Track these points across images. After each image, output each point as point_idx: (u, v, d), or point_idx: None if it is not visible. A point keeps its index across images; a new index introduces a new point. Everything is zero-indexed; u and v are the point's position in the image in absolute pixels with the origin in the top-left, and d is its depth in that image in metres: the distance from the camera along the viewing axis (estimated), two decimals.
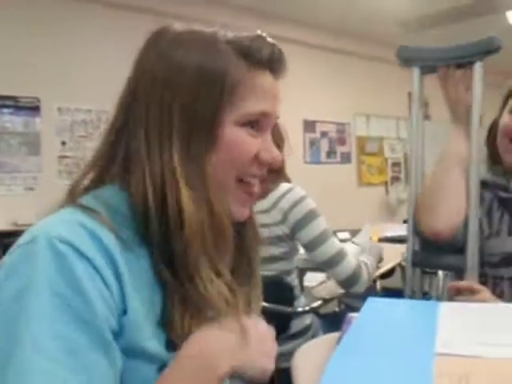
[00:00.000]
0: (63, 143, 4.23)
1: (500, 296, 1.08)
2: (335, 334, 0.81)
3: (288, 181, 1.52)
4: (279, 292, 1.40)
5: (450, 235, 1.11)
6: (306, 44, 5.50)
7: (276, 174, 1.26)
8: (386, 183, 6.25)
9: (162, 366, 0.54)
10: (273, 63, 0.60)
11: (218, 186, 0.58)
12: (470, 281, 1.07)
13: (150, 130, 0.56)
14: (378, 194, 6.15)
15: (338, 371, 0.61)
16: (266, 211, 1.45)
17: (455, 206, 1.11)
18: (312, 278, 1.99)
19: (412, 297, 1.19)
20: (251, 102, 0.57)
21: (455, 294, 0.95)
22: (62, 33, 4.18)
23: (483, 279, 1.12)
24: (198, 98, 0.56)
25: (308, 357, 0.82)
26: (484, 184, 1.20)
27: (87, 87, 4.27)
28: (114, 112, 0.61)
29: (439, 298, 1.94)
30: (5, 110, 3.98)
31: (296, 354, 0.84)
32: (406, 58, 1.20)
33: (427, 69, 1.19)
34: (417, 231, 1.18)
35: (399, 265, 1.94)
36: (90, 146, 4.34)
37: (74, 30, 4.24)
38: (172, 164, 0.55)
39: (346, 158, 5.92)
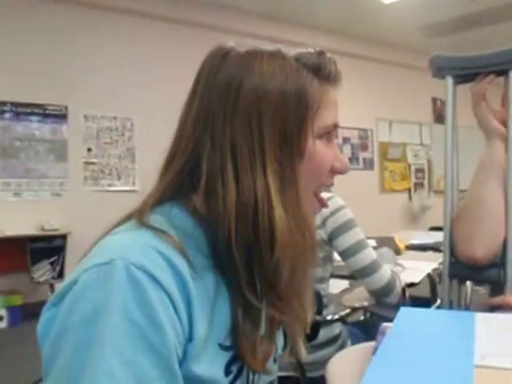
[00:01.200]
0: (89, 150, 4.32)
1: None
2: (369, 344, 0.81)
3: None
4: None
5: (486, 261, 1.07)
6: (329, 49, 5.43)
7: None
8: (409, 190, 6.19)
9: None
10: (336, 78, 0.63)
11: (307, 197, 0.60)
12: (509, 295, 1.04)
13: (239, 149, 0.55)
14: (401, 201, 6.09)
15: (375, 382, 0.61)
16: None
17: (494, 231, 1.06)
18: (335, 285, 1.98)
19: (450, 308, 1.16)
20: (326, 116, 0.60)
21: (491, 310, 0.93)
22: (87, 41, 4.28)
23: None
24: (286, 117, 0.57)
25: (343, 366, 0.82)
26: None
27: (112, 94, 4.35)
28: (183, 129, 0.60)
29: (467, 308, 1.90)
30: (33, 118, 4.09)
31: (330, 362, 0.84)
32: (440, 68, 1.16)
33: (461, 78, 1.16)
34: (453, 252, 1.13)
35: (428, 274, 1.92)
36: (114, 153, 4.42)
37: (100, 38, 4.33)
38: (266, 181, 0.55)
39: (368, 164, 5.88)
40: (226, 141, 0.56)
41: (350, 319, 1.73)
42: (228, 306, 0.57)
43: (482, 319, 0.81)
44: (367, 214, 5.12)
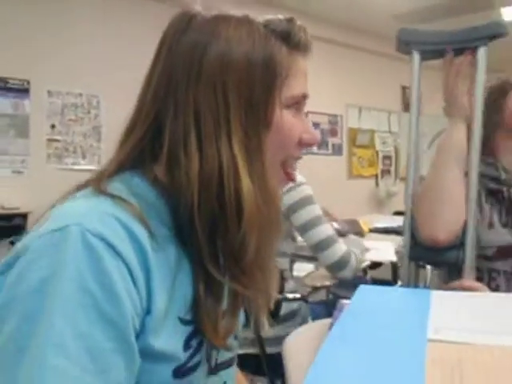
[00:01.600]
0: (53, 126, 4.18)
1: (496, 290, 1.07)
2: (327, 320, 0.81)
3: None
4: None
5: (449, 242, 1.08)
6: None
7: None
8: (376, 176, 6.28)
9: (178, 366, 0.53)
10: (307, 46, 0.61)
11: (273, 169, 0.58)
12: (468, 279, 1.05)
13: (203, 117, 0.53)
14: (368, 187, 6.18)
15: (329, 357, 0.61)
16: None
17: (455, 212, 1.07)
18: (301, 268, 2.00)
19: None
20: (295, 85, 0.58)
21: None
22: (53, 13, 4.10)
23: (479, 274, 1.11)
24: (252, 84, 0.55)
25: (299, 342, 0.82)
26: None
27: (78, 70, 4.21)
28: (144, 96, 0.57)
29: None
30: None
31: (287, 339, 0.84)
32: (406, 41, 1.12)
33: (428, 54, 1.12)
34: (414, 235, 1.14)
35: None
36: (79, 130, 4.30)
37: (66, 10, 4.16)
38: (231, 151, 0.53)
39: (337, 150, 5.93)
40: (190, 108, 0.54)
41: (312, 299, 1.76)
42: (189, 279, 0.55)
43: (438, 296, 0.82)
44: (335, 198, 5.17)
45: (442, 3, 5.01)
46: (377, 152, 6.29)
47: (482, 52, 1.05)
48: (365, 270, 2.15)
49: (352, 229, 2.16)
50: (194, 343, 0.55)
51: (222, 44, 0.54)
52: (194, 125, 0.53)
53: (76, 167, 4.20)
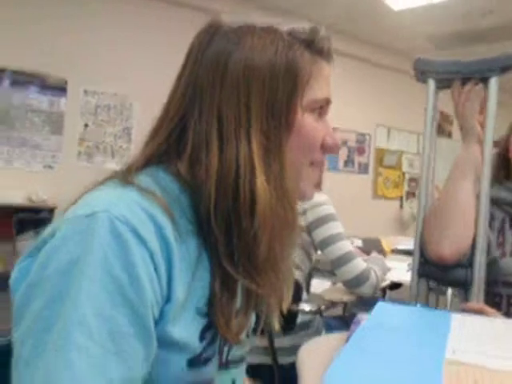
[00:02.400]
0: (86, 125, 4.29)
1: None
2: (343, 333, 0.81)
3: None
4: None
5: (454, 260, 1.08)
6: (335, 51, 5.49)
7: None
8: (401, 198, 6.21)
9: (193, 356, 0.54)
10: (330, 53, 0.63)
11: (294, 171, 0.60)
12: (480, 303, 1.04)
13: (225, 119, 0.56)
14: (393, 208, 6.12)
15: (343, 369, 0.61)
16: None
17: (464, 231, 1.08)
18: (318, 285, 1.99)
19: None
20: (317, 90, 0.60)
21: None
22: (94, 17, 4.23)
23: (498, 299, 1.10)
24: (275, 89, 0.57)
25: (314, 352, 0.82)
26: (495, 201, 1.18)
27: (113, 73, 4.32)
28: (172, 98, 0.61)
29: None
30: (32, 88, 4.04)
31: (302, 348, 0.83)
32: (422, 71, 1.18)
33: (443, 82, 1.17)
34: (422, 251, 1.15)
35: None
36: (111, 131, 4.39)
37: (105, 15, 4.29)
38: (250, 151, 0.55)
39: (363, 169, 5.89)
40: (213, 111, 0.56)
41: (329, 313, 1.74)
42: (208, 273, 0.57)
43: (458, 319, 0.81)
44: (359, 217, 5.13)
45: (477, 29, 4.97)
46: (403, 173, 6.23)
47: (493, 82, 1.09)
48: (384, 290, 2.12)
49: (374, 248, 2.14)
50: (208, 335, 0.56)
51: (245, 51, 0.57)
52: (217, 126, 0.56)
53: (105, 166, 4.29)
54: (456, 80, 1.13)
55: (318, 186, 0.66)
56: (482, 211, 1.09)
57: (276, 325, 0.68)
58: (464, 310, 0.88)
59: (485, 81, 1.11)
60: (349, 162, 5.74)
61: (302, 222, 1.53)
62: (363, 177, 5.92)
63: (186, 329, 0.53)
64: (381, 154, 6.02)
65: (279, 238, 0.57)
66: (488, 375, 0.59)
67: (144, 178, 0.56)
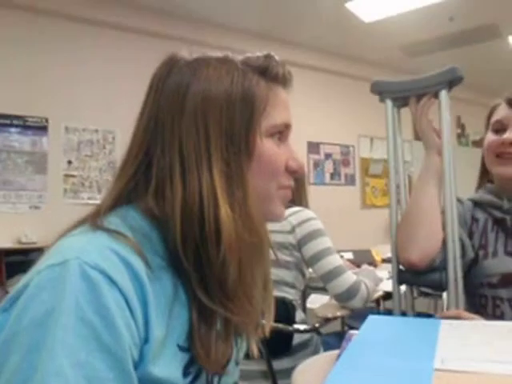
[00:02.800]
0: (69, 162, 4.28)
1: (500, 317, 1.07)
2: (335, 352, 0.81)
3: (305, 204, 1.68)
4: (281, 310, 1.41)
5: (423, 266, 1.12)
6: (312, 67, 5.58)
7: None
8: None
9: None
10: (285, 78, 0.65)
11: (261, 195, 0.61)
12: (458, 309, 1.08)
13: (186, 152, 0.57)
14: (382, 217, 6.14)
15: None
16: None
17: (429, 236, 1.12)
18: (316, 300, 1.99)
19: (404, 315, 1.19)
20: (275, 115, 0.62)
21: None
22: (69, 53, 4.26)
23: (483, 300, 1.12)
24: (232, 118, 0.58)
25: (308, 373, 0.82)
26: (478, 204, 1.21)
27: (94, 108, 4.33)
28: (135, 136, 0.62)
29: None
30: (13, 130, 4.04)
31: (296, 370, 0.83)
32: (379, 92, 1.26)
33: (401, 101, 1.26)
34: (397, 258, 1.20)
35: None
36: (95, 166, 4.38)
37: (82, 50, 4.32)
38: (212, 181, 0.56)
39: (350, 180, 5.93)
40: (175, 144, 0.57)
41: (326, 330, 1.74)
42: (186, 308, 0.57)
43: (447, 325, 0.82)
44: (348, 228, 5.15)
45: (449, 34, 5.09)
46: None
47: (443, 95, 1.18)
48: (378, 301, 2.12)
49: (365, 259, 2.15)
50: (192, 370, 0.56)
51: (202, 83, 0.59)
52: (179, 160, 0.57)
53: (92, 201, 4.27)
54: (411, 97, 1.21)
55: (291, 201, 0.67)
56: (448, 215, 1.14)
57: (255, 351, 0.68)
58: (443, 318, 0.89)
59: (437, 95, 1.18)
60: (335, 174, 5.78)
61: (292, 239, 1.54)
62: (351, 188, 5.95)
63: (168, 366, 0.53)
64: (366, 164, 6.08)
65: (248, 263, 0.58)
66: (478, 380, 0.59)
67: (113, 220, 0.56)
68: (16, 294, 0.49)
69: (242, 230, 0.56)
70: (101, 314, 0.46)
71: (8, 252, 3.79)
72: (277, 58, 0.65)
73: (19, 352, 0.45)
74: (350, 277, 1.48)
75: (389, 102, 1.25)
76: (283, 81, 0.64)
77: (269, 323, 0.68)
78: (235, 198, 0.57)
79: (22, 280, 0.50)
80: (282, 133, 0.63)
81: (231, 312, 0.57)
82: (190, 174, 0.56)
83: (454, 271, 1.12)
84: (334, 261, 1.51)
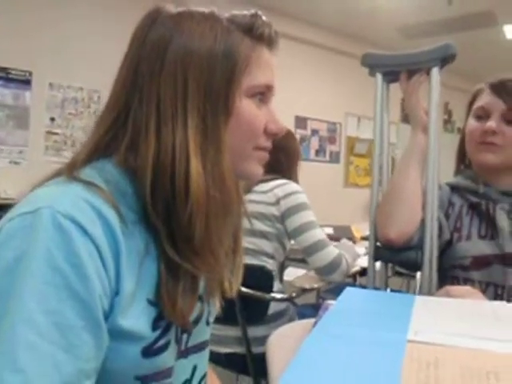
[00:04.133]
0: (52, 119, 4.19)
1: None
2: (311, 320, 0.82)
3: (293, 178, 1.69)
4: (259, 278, 1.43)
5: (401, 243, 1.13)
6: (305, 41, 5.51)
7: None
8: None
9: (146, 346, 0.54)
10: (271, 39, 0.63)
11: (236, 155, 0.61)
12: (448, 285, 1.08)
13: (162, 105, 0.56)
14: (364, 196, 6.21)
15: (309, 355, 0.62)
16: (263, 192, 1.57)
17: (408, 214, 1.13)
18: (292, 273, 2.01)
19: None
20: (258, 75, 0.61)
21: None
22: (58, 7, 4.12)
23: (455, 282, 1.14)
24: (212, 75, 0.58)
25: (282, 341, 0.83)
26: (454, 189, 1.23)
27: (80, 65, 4.22)
28: (115, 87, 0.61)
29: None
30: None
31: (270, 337, 0.84)
32: (370, 65, 1.23)
33: (391, 75, 1.23)
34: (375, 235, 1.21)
35: None
36: (78, 125, 4.30)
37: (71, 4, 4.18)
38: (185, 136, 0.55)
39: (334, 158, 5.95)
40: (152, 97, 0.57)
41: (302, 301, 1.77)
42: (156, 262, 0.57)
43: (421, 301, 0.83)
44: (331, 205, 5.20)
45: (446, 18, 5.06)
46: None
47: (434, 72, 1.15)
48: (354, 276, 2.17)
49: (344, 235, 2.17)
50: (162, 324, 0.57)
51: (184, 37, 0.58)
52: (155, 113, 0.56)
53: None
54: (402, 72, 1.18)
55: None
56: (429, 196, 1.14)
57: (217, 307, 0.70)
58: (448, 295, 0.90)
59: (427, 71, 1.16)
60: (320, 151, 5.79)
61: (276, 211, 1.55)
62: (334, 166, 5.98)
63: (137, 319, 0.53)
64: (351, 143, 6.10)
65: (215, 220, 0.58)
66: (449, 352, 0.61)
67: (89, 172, 0.56)
68: None
69: (212, 187, 0.56)
70: (72, 262, 0.46)
71: None
72: (264, 18, 0.64)
73: None
74: (332, 251, 1.50)
75: (379, 76, 1.23)
76: (269, 41, 0.63)
77: (236, 284, 0.69)
78: (208, 154, 0.57)
79: None
80: (263, 94, 0.63)
81: (196, 267, 0.58)
82: (165, 128, 0.56)
83: (430, 251, 1.13)
84: (317, 234, 1.53)
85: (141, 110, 0.57)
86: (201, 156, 0.56)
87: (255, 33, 0.61)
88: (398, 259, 1.19)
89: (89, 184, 0.53)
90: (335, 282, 1.56)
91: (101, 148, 0.59)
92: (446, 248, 1.17)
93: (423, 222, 1.14)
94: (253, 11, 0.63)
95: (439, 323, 0.72)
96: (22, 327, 0.43)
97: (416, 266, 1.14)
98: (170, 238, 0.56)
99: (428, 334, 0.66)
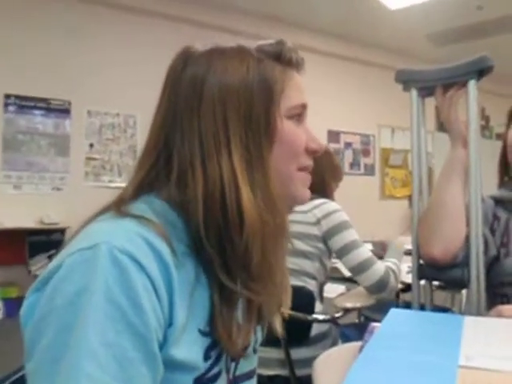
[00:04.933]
0: (91, 145, 4.33)
1: None
2: (357, 343, 0.81)
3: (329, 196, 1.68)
4: (300, 299, 1.42)
5: (446, 260, 1.10)
6: (333, 55, 5.52)
7: None
8: (409, 197, 6.19)
9: (199, 376, 0.55)
10: (298, 62, 0.66)
11: (282, 178, 0.62)
12: (499, 306, 1.05)
13: (205, 139, 0.58)
14: (401, 208, 6.09)
15: (359, 381, 0.61)
16: (303, 212, 1.57)
17: (453, 232, 1.10)
18: (332, 290, 1.99)
19: (422, 309, 1.18)
20: (293, 97, 0.63)
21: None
22: (94, 37, 4.29)
23: (504, 300, 1.10)
24: (250, 104, 0.60)
25: (329, 364, 0.82)
26: (499, 202, 1.19)
27: (116, 91, 4.36)
28: (153, 128, 0.63)
29: (462, 314, 1.90)
30: (36, 112, 4.10)
31: (317, 360, 0.84)
32: (404, 81, 1.22)
33: (426, 90, 1.22)
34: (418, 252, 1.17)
35: None
36: (116, 149, 4.43)
37: (105, 35, 4.35)
38: (231, 165, 0.57)
39: (369, 170, 5.88)
40: (194, 134, 0.59)
41: (343, 321, 1.74)
42: (207, 292, 0.58)
43: (471, 322, 0.81)
44: (367, 219, 5.11)
45: (476, 23, 4.97)
46: (410, 172, 6.20)
47: (471, 85, 1.13)
48: (397, 294, 2.12)
49: (383, 252, 2.13)
50: (213, 354, 0.57)
51: (218, 73, 0.60)
52: (199, 148, 0.58)
53: (112, 185, 4.33)
54: (438, 87, 1.17)
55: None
56: (473, 211, 1.11)
57: (279, 329, 0.69)
58: (501, 315, 0.87)
59: (464, 84, 1.14)
60: (354, 164, 5.74)
61: (317, 231, 1.54)
62: (370, 178, 5.90)
63: (189, 350, 0.54)
64: (386, 154, 6.02)
65: (271, 244, 0.59)
66: (504, 378, 0.59)
67: (140, 206, 0.58)
68: (48, 275, 0.50)
69: (265, 213, 0.57)
70: (129, 296, 0.48)
71: (31, 232, 3.88)
72: (289, 43, 0.66)
73: (51, 330, 0.46)
74: (379, 268, 1.49)
75: (414, 92, 1.22)
76: (296, 65, 0.66)
77: (286, 306, 0.69)
78: (256, 181, 0.58)
79: (53, 262, 0.52)
80: (299, 114, 0.65)
81: (255, 293, 0.59)
82: (210, 161, 0.57)
83: (477, 268, 1.10)
84: (363, 253, 1.51)
85: (183, 147, 0.59)
86: (249, 183, 0.57)
87: (284, 58, 0.64)
88: (443, 277, 1.15)
89: (140, 218, 0.55)
90: (377, 299, 1.53)
91: (145, 185, 0.61)
92: (493, 264, 1.13)
93: (468, 238, 1.10)
94: (278, 39, 0.66)
95: (491, 347, 0.70)
96: (86, 361, 0.44)
97: (462, 283, 1.11)
98: (224, 267, 0.57)
99: (480, 359, 0.64)
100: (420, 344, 0.74)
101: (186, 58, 0.63)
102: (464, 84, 1.14)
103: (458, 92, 1.15)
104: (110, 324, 0.46)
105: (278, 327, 0.70)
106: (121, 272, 0.48)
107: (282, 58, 0.63)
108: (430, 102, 1.23)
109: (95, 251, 0.49)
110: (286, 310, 0.70)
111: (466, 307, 1.39)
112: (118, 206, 0.58)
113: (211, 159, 0.57)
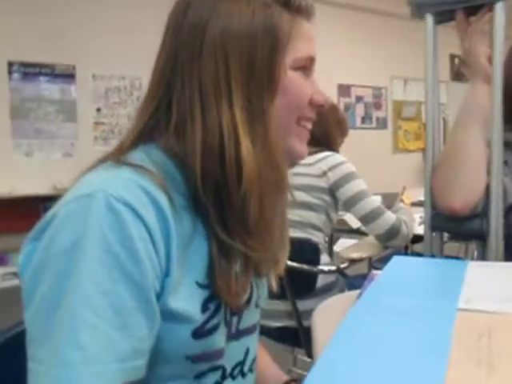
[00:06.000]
0: (98, 110, 4.31)
1: None
2: (356, 292, 0.80)
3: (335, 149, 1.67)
4: (305, 251, 1.42)
5: (466, 212, 1.01)
6: (341, 5, 5.32)
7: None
8: (423, 149, 6.09)
9: (197, 327, 0.55)
10: (308, 10, 0.62)
11: (281, 130, 0.60)
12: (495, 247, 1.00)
13: (205, 87, 0.56)
14: (415, 161, 6.01)
15: (353, 327, 0.60)
16: (309, 165, 1.56)
17: (473, 181, 1.00)
18: (343, 245, 1.98)
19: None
20: (300, 48, 0.60)
21: None
22: (95, 2, 4.19)
23: None
24: (254, 52, 0.57)
25: (328, 312, 0.82)
26: (505, 145, 1.10)
27: (120, 54, 4.31)
28: (154, 75, 0.61)
29: None
30: (41, 78, 4.07)
31: (316, 310, 0.83)
32: (418, 4, 1.04)
33: (443, 16, 1.03)
34: (433, 204, 1.08)
35: None
36: (123, 113, 4.41)
37: None
38: (232, 116, 0.55)
39: (381, 124, 5.78)
40: (194, 81, 0.56)
41: (353, 272, 1.74)
42: (206, 245, 0.57)
43: (474, 267, 0.79)
44: (380, 173, 5.07)
45: None
46: (424, 124, 6.09)
47: (498, 8, 0.96)
48: (406, 245, 2.11)
49: (392, 202, 2.11)
50: (211, 306, 0.57)
51: (221, 17, 0.57)
52: (199, 96, 0.56)
53: None
54: (458, 11, 1.00)
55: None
56: (495, 157, 1.01)
57: (274, 286, 0.69)
58: None
59: (490, 8, 0.97)
60: (366, 118, 5.64)
61: (323, 183, 1.53)
62: (382, 132, 5.81)
63: (186, 301, 0.54)
64: (398, 107, 5.88)
65: (268, 199, 0.57)
66: (503, 321, 0.58)
67: (137, 155, 0.57)
68: (44, 225, 0.50)
69: (264, 166, 0.56)
70: (125, 245, 0.48)
71: (45, 198, 3.93)
72: None
73: (48, 280, 0.47)
74: (390, 217, 1.48)
75: (429, 18, 1.04)
76: (306, 12, 0.61)
77: (284, 262, 0.68)
78: (256, 133, 0.56)
79: (50, 211, 0.51)
80: (306, 66, 0.61)
81: (250, 248, 0.58)
82: (210, 110, 0.55)
83: (496, 218, 1.01)
84: (372, 202, 1.51)
85: (183, 94, 0.57)
86: (249, 135, 0.55)
87: (293, 5, 0.60)
88: (460, 229, 1.08)
89: (139, 168, 0.54)
90: (392, 248, 1.53)
91: (145, 134, 0.59)
92: (508, 212, 1.07)
93: (488, 187, 1.01)
94: None
95: (492, 289, 0.68)
96: (81, 308, 0.45)
97: (480, 235, 1.04)
98: (221, 220, 0.56)
99: (480, 301, 0.62)
100: (419, 289, 0.72)
101: (188, 2, 0.59)
102: (490, 8, 0.97)
103: (483, 17, 0.98)
104: (105, 272, 0.47)
105: (274, 284, 0.70)
106: (116, 220, 0.48)
107: (290, 3, 0.59)
108: (445, 48, 1.09)
109: (91, 200, 0.48)
110: (283, 266, 0.68)
111: (478, 257, 1.35)
112: (117, 156, 0.57)
113: (211, 109, 0.55)
